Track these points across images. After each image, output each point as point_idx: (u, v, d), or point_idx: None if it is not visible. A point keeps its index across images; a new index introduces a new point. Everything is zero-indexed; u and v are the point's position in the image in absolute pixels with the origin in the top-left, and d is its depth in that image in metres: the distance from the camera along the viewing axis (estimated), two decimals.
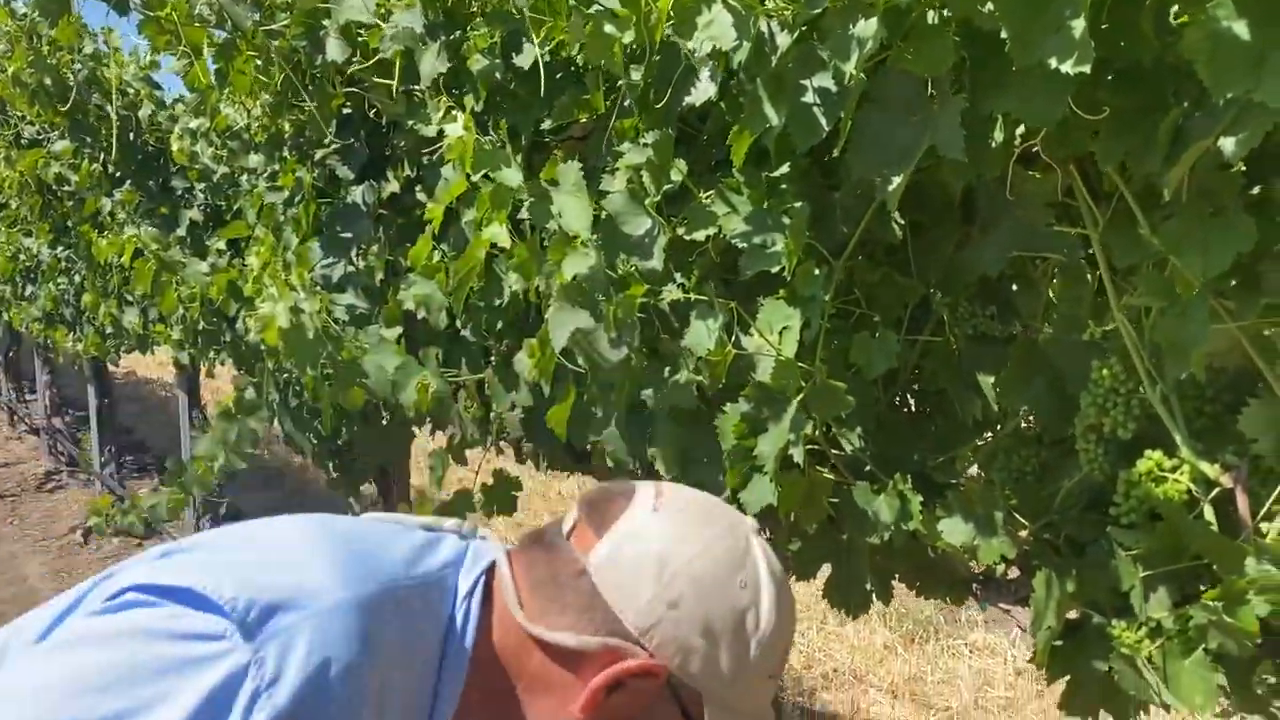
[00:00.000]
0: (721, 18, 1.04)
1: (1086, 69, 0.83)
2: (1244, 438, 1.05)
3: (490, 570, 0.92)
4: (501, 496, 2.01)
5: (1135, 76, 0.94)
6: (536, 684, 0.88)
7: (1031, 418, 1.31)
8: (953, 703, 3.81)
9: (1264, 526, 1.01)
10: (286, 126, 2.42)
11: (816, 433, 1.20)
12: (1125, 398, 1.10)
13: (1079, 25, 0.84)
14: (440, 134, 1.72)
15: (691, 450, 1.35)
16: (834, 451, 1.29)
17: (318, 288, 2.10)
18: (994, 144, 1.06)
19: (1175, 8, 0.91)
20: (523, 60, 1.58)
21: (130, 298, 3.90)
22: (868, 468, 1.31)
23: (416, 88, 1.78)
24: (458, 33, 1.72)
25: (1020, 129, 1.07)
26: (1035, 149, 1.10)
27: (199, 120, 2.88)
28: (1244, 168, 0.98)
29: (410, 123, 1.79)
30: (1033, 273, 1.30)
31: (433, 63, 1.71)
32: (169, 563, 0.80)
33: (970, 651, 4.23)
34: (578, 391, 1.48)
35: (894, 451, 1.32)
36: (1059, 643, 1.17)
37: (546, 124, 1.56)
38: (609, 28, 1.11)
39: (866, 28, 0.98)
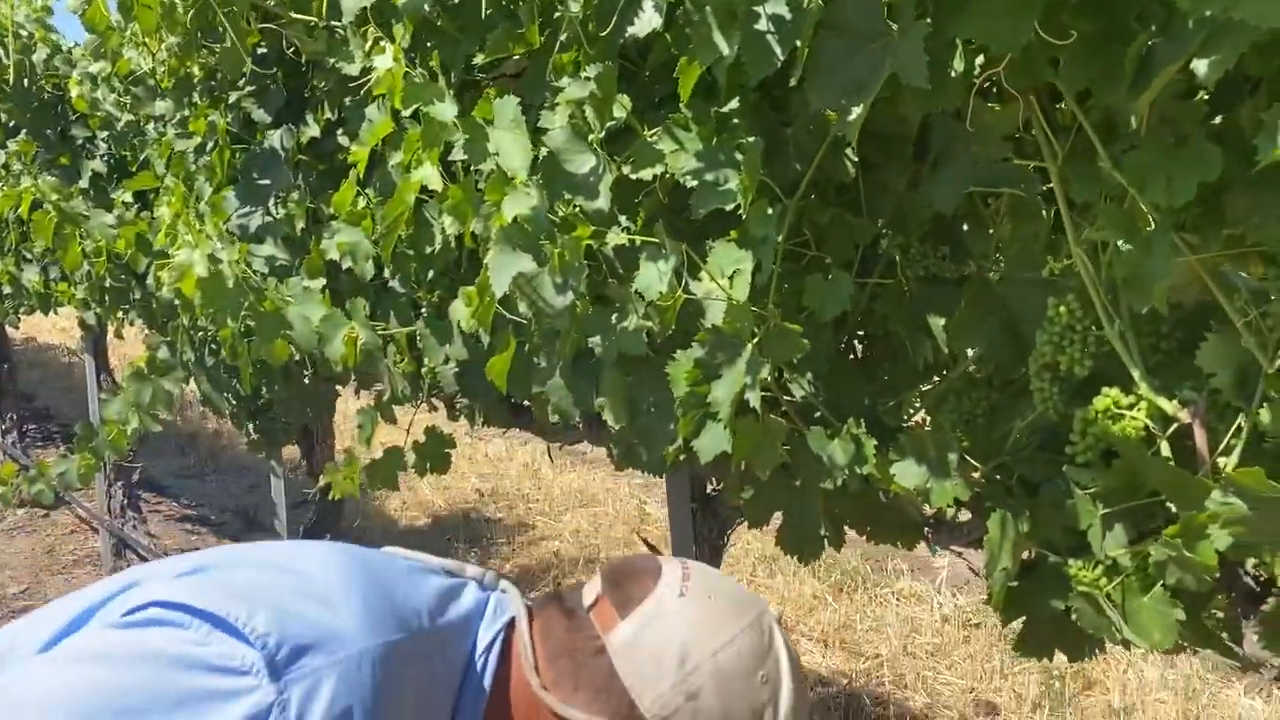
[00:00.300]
0: None
1: None
2: (1199, 374, 1.05)
3: (510, 625, 0.92)
4: (435, 454, 1.95)
5: (1100, 1, 0.91)
6: None
7: (980, 360, 1.29)
8: (882, 650, 3.87)
9: (1221, 461, 1.01)
10: (196, 70, 2.28)
11: (770, 378, 1.16)
12: (1082, 335, 1.08)
13: None
14: (364, 72, 1.63)
15: (639, 399, 1.30)
16: (785, 397, 1.26)
17: (234, 239, 1.99)
18: (954, 74, 1.03)
19: None
20: None
21: (29, 254, 3.70)
22: (818, 413, 1.28)
23: (338, 24, 1.69)
24: None
25: (980, 59, 1.04)
26: (992, 81, 1.07)
27: (100, 64, 2.71)
28: (1206, 96, 0.97)
29: (332, 61, 1.69)
30: (983, 211, 1.28)
31: None
32: (199, 580, 0.78)
33: (897, 600, 4.31)
34: (518, 341, 1.42)
35: (844, 396, 1.30)
36: (1014, 584, 1.16)
37: (478, 60, 1.48)
38: None
39: None
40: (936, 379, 1.37)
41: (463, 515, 5.74)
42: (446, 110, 1.33)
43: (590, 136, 1.25)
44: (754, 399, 1.07)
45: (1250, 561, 1.01)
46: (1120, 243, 1.00)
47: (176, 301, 2.08)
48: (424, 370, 1.84)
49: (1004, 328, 1.19)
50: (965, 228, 1.28)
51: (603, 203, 1.21)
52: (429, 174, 1.44)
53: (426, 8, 1.52)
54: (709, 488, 1.71)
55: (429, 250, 1.60)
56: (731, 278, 1.21)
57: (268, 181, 2.01)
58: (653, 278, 1.16)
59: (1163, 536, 1.00)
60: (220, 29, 2.06)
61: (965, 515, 1.27)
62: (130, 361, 2.77)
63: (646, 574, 0.91)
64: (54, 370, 10.37)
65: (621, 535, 5.33)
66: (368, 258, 1.75)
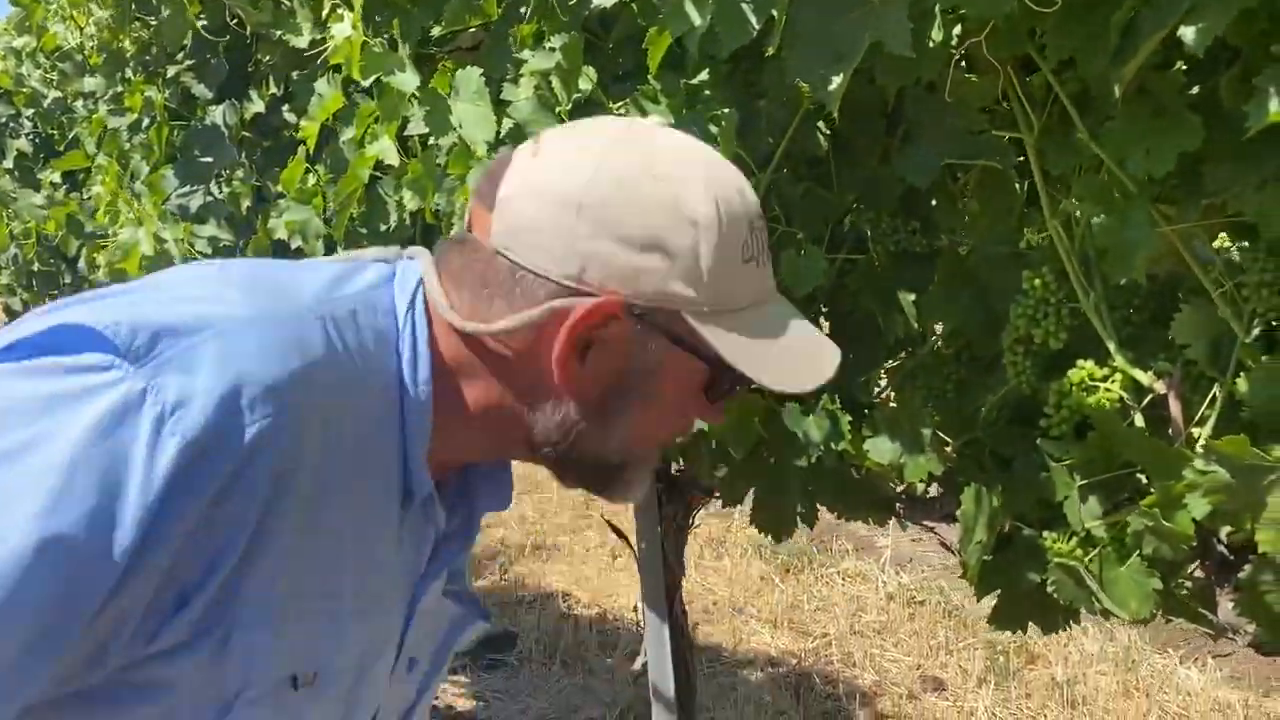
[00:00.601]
0: None
1: None
2: (1169, 346, 1.05)
3: (423, 285, 0.81)
4: None
5: None
6: (507, 385, 0.80)
7: (950, 336, 1.29)
8: (830, 629, 3.90)
9: (1195, 432, 1.02)
10: (128, 44, 2.20)
11: None
12: (1056, 307, 1.08)
13: None
14: (314, 44, 1.57)
15: None
16: None
17: (175, 219, 1.92)
18: (932, 44, 1.02)
19: None
20: None
21: None
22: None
23: None
24: None
25: (957, 29, 1.03)
26: (965, 51, 1.07)
27: (24, 39, 2.60)
28: (1184, 67, 0.97)
29: (279, 34, 1.63)
30: (951, 186, 1.27)
31: None
32: (57, 312, 0.68)
33: (843, 579, 4.35)
34: None
35: None
36: (988, 558, 1.16)
37: (435, 32, 1.44)
38: None
39: None
40: (903, 354, 1.37)
41: None
42: (408, 80, 1.29)
43: (557, 108, 1.22)
44: None
45: (1224, 530, 1.02)
46: (1097, 214, 1.00)
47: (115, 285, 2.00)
48: None
49: (975, 302, 1.19)
50: (934, 202, 1.28)
51: None
52: (385, 148, 1.40)
53: None
54: (674, 468, 1.70)
55: (384, 228, 1.55)
56: None
57: (209, 159, 1.94)
58: None
59: (1140, 507, 1.00)
60: (157, 1, 1.99)
61: (936, 490, 1.26)
62: None
63: (500, 164, 0.81)
64: None
65: (568, 521, 5.30)
66: (318, 236, 1.69)
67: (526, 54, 1.30)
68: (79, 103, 2.55)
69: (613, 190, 0.75)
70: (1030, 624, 1.20)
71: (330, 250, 1.75)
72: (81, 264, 2.55)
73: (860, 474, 1.25)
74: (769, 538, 1.30)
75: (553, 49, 1.23)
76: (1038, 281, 1.08)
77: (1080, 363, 1.07)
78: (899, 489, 1.29)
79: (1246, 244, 1.00)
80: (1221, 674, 3.52)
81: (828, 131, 1.21)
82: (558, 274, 0.75)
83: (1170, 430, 1.04)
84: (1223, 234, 1.08)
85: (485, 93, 1.25)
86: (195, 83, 1.95)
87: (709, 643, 3.80)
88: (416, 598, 0.86)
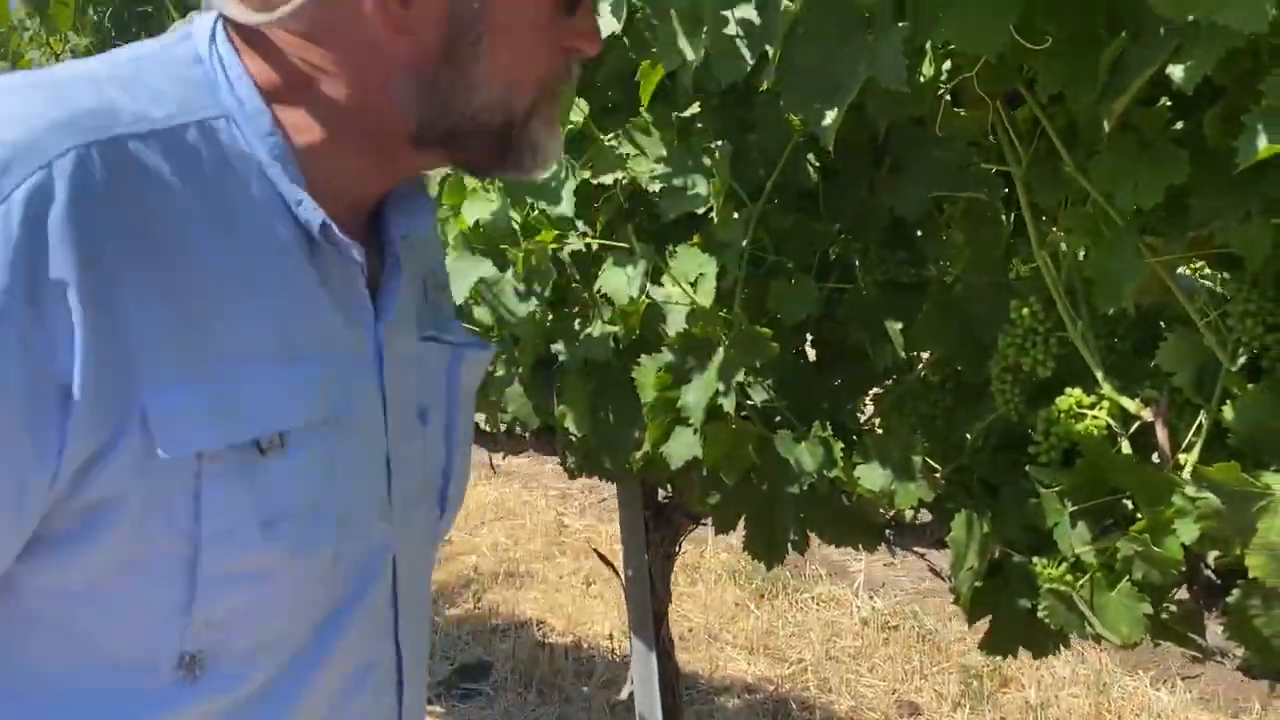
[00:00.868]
0: None
1: None
2: (1153, 374, 1.08)
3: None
4: None
5: (1072, 5, 0.93)
6: (342, 79, 0.72)
7: (937, 364, 1.31)
8: (805, 655, 3.90)
9: (1182, 458, 1.04)
10: None
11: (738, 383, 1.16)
12: (1044, 336, 1.11)
13: None
14: None
15: (599, 405, 1.29)
16: (747, 401, 1.26)
17: None
18: (923, 79, 1.04)
19: None
20: None
21: None
22: (778, 417, 1.28)
23: None
24: None
25: (947, 64, 1.06)
26: (953, 86, 1.09)
27: (0, 65, 2.58)
28: (1169, 103, 1.00)
29: None
30: (938, 217, 1.30)
31: None
32: None
33: (817, 604, 4.35)
34: None
35: (803, 400, 1.30)
36: (979, 584, 1.17)
37: None
38: None
39: None
40: (889, 382, 1.39)
41: None
42: None
43: None
44: (728, 404, 1.07)
45: (1211, 554, 1.04)
46: (1086, 245, 1.03)
47: None
48: None
49: (963, 331, 1.21)
50: (920, 233, 1.30)
51: (566, 208, 1.19)
52: None
53: None
54: (661, 495, 1.70)
55: None
56: (695, 282, 1.20)
57: None
58: (621, 283, 1.15)
59: (1130, 532, 1.02)
60: (137, 31, 1.98)
61: (926, 516, 1.28)
62: None
63: None
64: None
65: (540, 547, 5.28)
66: None
67: None
68: None
69: None
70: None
71: None
72: None
73: (851, 500, 1.26)
74: (743, 563, 1.31)
75: None
76: (1026, 311, 1.11)
77: (1068, 390, 1.09)
78: (888, 515, 1.30)
79: (1228, 275, 1.03)
80: (1191, 695, 3.55)
81: (817, 163, 1.23)
82: None
83: (1157, 456, 1.07)
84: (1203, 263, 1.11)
85: None
86: None
87: (686, 670, 3.78)
88: (379, 341, 0.79)
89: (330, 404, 0.73)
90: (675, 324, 1.23)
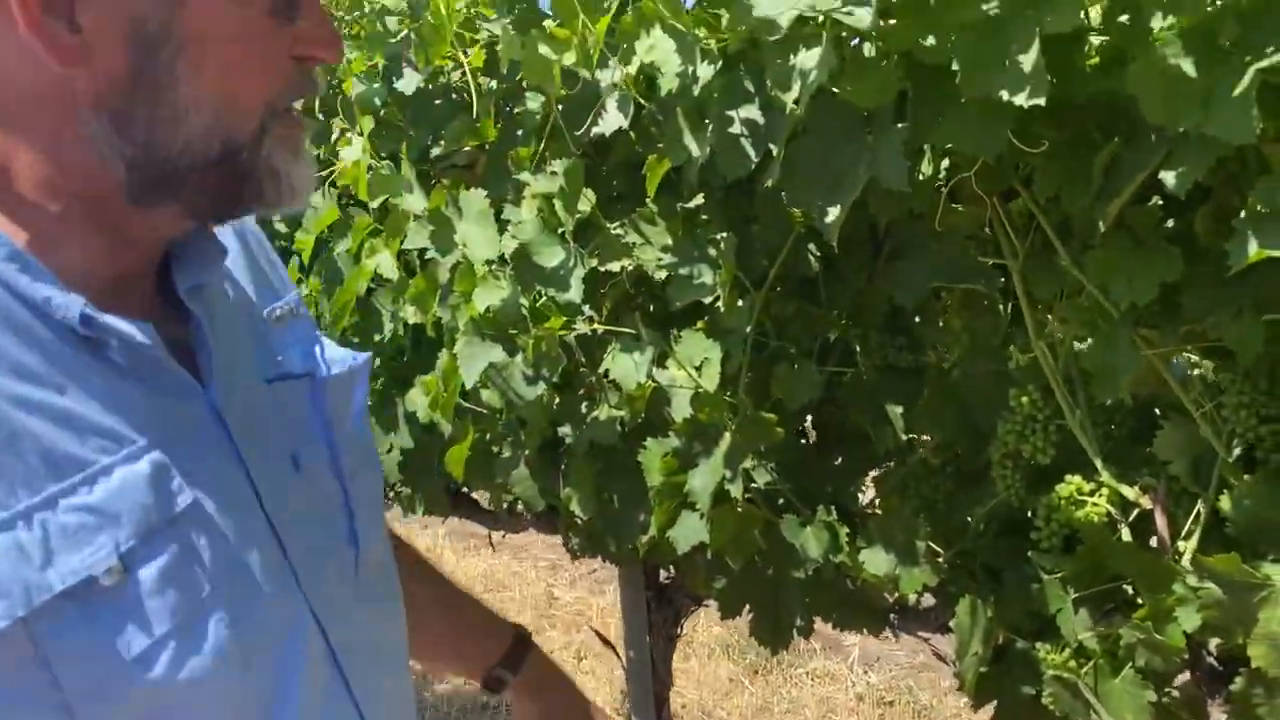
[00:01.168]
0: (664, 43, 1.02)
1: (1041, 101, 0.85)
2: (1149, 460, 1.10)
3: None
4: None
5: (1067, 111, 0.97)
6: (18, 131, 0.64)
7: (937, 448, 1.33)
8: None
9: (1181, 546, 1.06)
10: None
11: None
12: (1044, 424, 1.13)
13: (1031, 58, 0.86)
14: (318, 159, 1.61)
15: (605, 488, 1.30)
16: (751, 484, 1.27)
17: None
18: (922, 177, 1.08)
19: (1097, 41, 0.95)
20: (405, 85, 1.51)
21: None
22: (781, 500, 1.30)
23: None
24: None
25: (945, 162, 1.09)
26: (951, 183, 1.13)
27: None
28: (1161, 202, 1.04)
29: None
30: (935, 304, 1.33)
31: None
32: None
33: (812, 680, 4.31)
34: (477, 430, 1.41)
35: (806, 482, 1.32)
36: (984, 670, 1.18)
37: (434, 152, 1.49)
38: (545, 49, 1.06)
39: (810, 58, 0.97)
40: (890, 464, 1.40)
41: None
42: (415, 202, 1.33)
43: (560, 229, 1.26)
44: (735, 490, 1.08)
45: (1213, 642, 1.05)
46: (1082, 337, 1.06)
47: None
48: None
49: (962, 417, 1.23)
50: (918, 319, 1.33)
51: (574, 294, 1.22)
52: (385, 262, 1.43)
53: (378, 101, 1.53)
54: (663, 576, 1.71)
55: (378, 337, 1.58)
56: (700, 367, 1.23)
57: None
58: (629, 368, 1.17)
59: (1132, 619, 1.03)
60: None
61: (930, 600, 1.29)
62: None
63: None
64: None
65: (530, 620, 5.22)
66: None
67: (526, 176, 1.35)
68: None
69: None
70: None
71: None
72: None
73: (855, 585, 1.27)
74: (736, 637, 1.31)
75: (554, 173, 1.28)
76: (1025, 399, 1.13)
77: (1068, 478, 1.12)
78: (892, 599, 1.31)
79: (1221, 365, 1.06)
80: None
81: (818, 253, 1.26)
82: None
83: (1156, 542, 1.09)
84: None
85: (489, 214, 1.29)
86: None
87: None
88: (216, 408, 0.72)
89: (169, 500, 0.65)
90: (680, 407, 1.25)
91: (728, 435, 1.13)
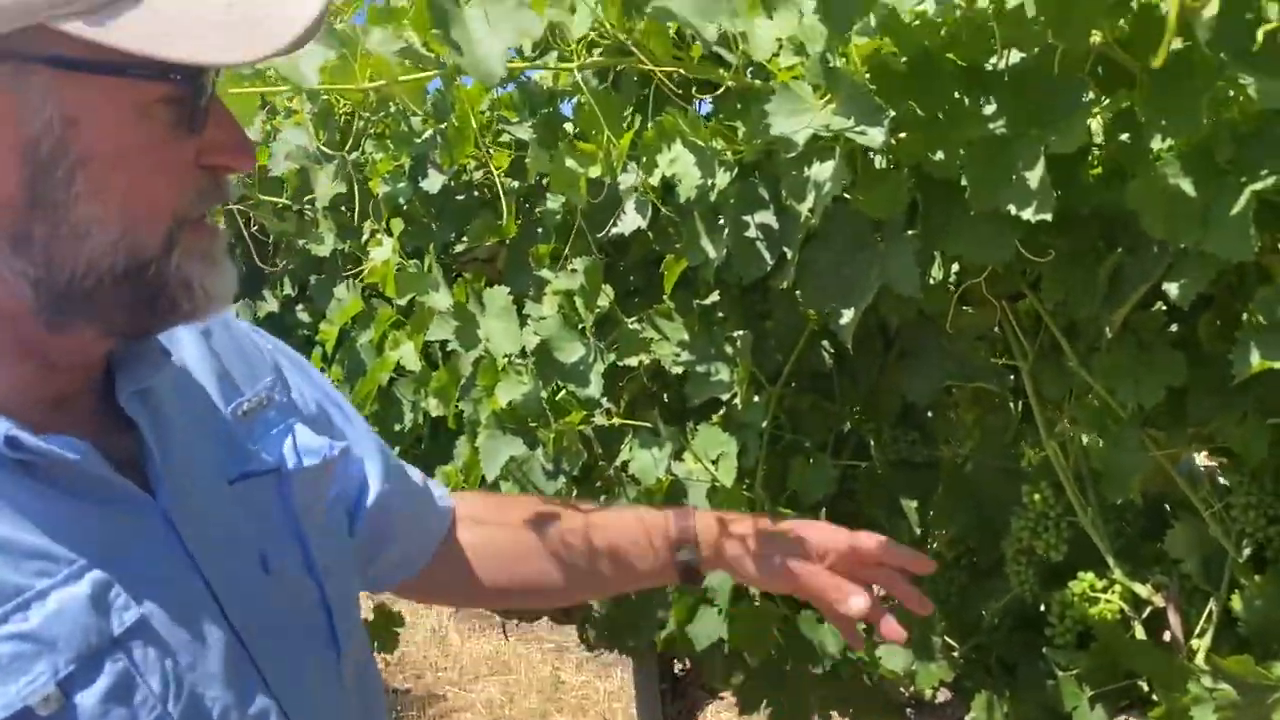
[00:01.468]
0: (684, 156, 1.06)
1: (1048, 216, 0.89)
2: (1161, 557, 1.12)
3: None
4: (384, 633, 1.90)
5: (1072, 223, 1.01)
6: None
7: (951, 543, 1.35)
8: None
9: (1195, 644, 1.07)
10: None
11: None
12: (1056, 521, 1.15)
13: (1037, 175, 0.90)
14: (335, 253, 1.67)
15: None
16: None
17: None
18: (933, 281, 1.12)
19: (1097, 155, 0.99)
20: (430, 185, 1.57)
21: None
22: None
23: (309, 207, 1.73)
24: (356, 153, 1.69)
25: (955, 266, 1.13)
26: (961, 288, 1.17)
27: None
28: (1164, 307, 1.07)
29: (301, 242, 1.73)
30: (947, 399, 1.36)
31: (328, 183, 1.67)
32: None
33: None
34: None
35: None
36: None
37: (458, 248, 1.54)
38: (571, 162, 1.11)
39: (824, 170, 1.02)
40: None
41: None
42: (441, 300, 1.38)
43: (580, 325, 1.30)
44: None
45: None
46: (1092, 437, 1.08)
47: None
48: None
49: (975, 512, 1.25)
50: (930, 414, 1.36)
51: (594, 389, 1.25)
52: (408, 354, 1.47)
53: (402, 200, 1.58)
54: (678, 668, 1.71)
55: (398, 427, 1.61)
56: (716, 461, 1.25)
57: None
58: (648, 463, 1.20)
59: (1148, 717, 1.04)
60: None
61: (946, 695, 1.29)
62: None
63: None
64: None
65: (536, 704, 5.16)
66: None
67: (547, 272, 1.39)
68: None
69: None
70: None
71: None
72: None
73: (873, 680, 1.28)
74: None
75: (575, 270, 1.32)
76: (1037, 496, 1.15)
77: (1081, 574, 1.13)
78: (908, 693, 1.32)
79: (1229, 464, 1.08)
80: None
81: (831, 349, 1.30)
82: None
83: (1169, 638, 1.10)
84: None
85: (512, 310, 1.33)
86: None
87: None
88: (168, 517, 0.70)
89: (111, 619, 0.64)
90: (697, 500, 1.27)
91: None
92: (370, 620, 1.93)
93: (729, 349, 1.21)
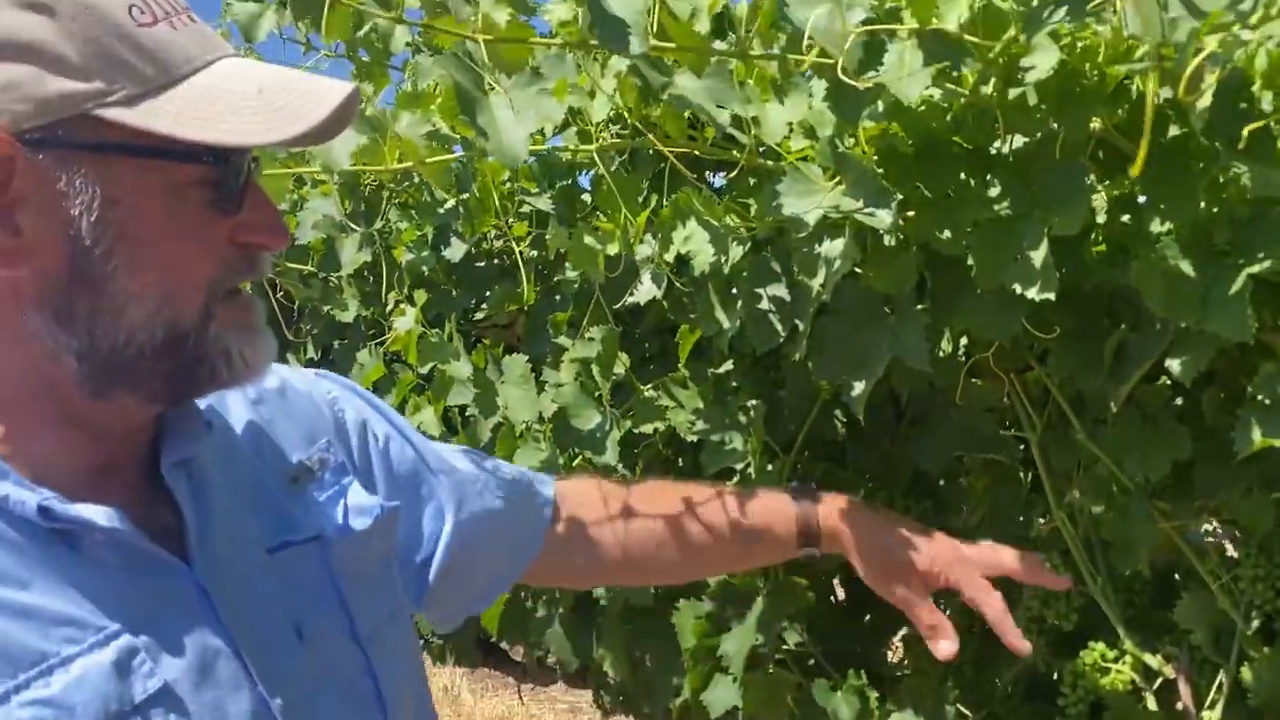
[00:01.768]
0: (699, 233, 1.10)
1: (1051, 295, 0.92)
2: (1171, 627, 1.13)
3: None
4: None
5: (1077, 299, 1.03)
6: None
7: (960, 609, 1.36)
8: None
9: (1206, 715, 1.07)
10: None
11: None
12: (1066, 590, 1.16)
13: (1040, 255, 0.93)
14: (359, 319, 1.71)
15: (636, 648, 1.33)
16: (783, 646, 1.30)
17: None
18: (942, 354, 1.14)
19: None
20: (453, 254, 1.61)
21: None
22: (812, 660, 1.32)
23: (334, 274, 1.78)
24: (380, 222, 1.74)
25: (964, 340, 1.16)
26: (970, 361, 1.19)
27: None
28: (1169, 381, 1.09)
29: (326, 308, 1.77)
30: (957, 469, 1.38)
31: (354, 251, 1.71)
32: None
33: None
34: (513, 588, 1.45)
35: (836, 642, 1.34)
36: None
37: (479, 314, 1.58)
38: (590, 240, 1.15)
39: (834, 248, 1.05)
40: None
41: None
42: (462, 369, 1.41)
43: (597, 393, 1.33)
44: (767, 651, 1.11)
45: None
46: (1100, 508, 1.10)
47: None
48: None
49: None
50: (942, 483, 1.38)
51: (610, 457, 1.27)
52: (428, 419, 1.50)
53: (425, 269, 1.63)
54: None
55: None
56: None
57: None
58: None
59: None
60: None
61: None
62: None
63: None
64: None
65: None
66: None
67: (564, 340, 1.42)
68: None
69: None
70: None
71: None
72: None
73: None
74: None
75: (591, 339, 1.35)
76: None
77: (1092, 644, 1.14)
78: None
79: (1237, 536, 1.10)
80: None
81: (843, 419, 1.32)
82: None
83: (1181, 709, 1.10)
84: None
85: (530, 378, 1.36)
86: None
87: None
88: (202, 586, 0.72)
89: (134, 686, 0.65)
90: None
91: (759, 599, 1.16)
92: None
93: (743, 418, 1.24)
